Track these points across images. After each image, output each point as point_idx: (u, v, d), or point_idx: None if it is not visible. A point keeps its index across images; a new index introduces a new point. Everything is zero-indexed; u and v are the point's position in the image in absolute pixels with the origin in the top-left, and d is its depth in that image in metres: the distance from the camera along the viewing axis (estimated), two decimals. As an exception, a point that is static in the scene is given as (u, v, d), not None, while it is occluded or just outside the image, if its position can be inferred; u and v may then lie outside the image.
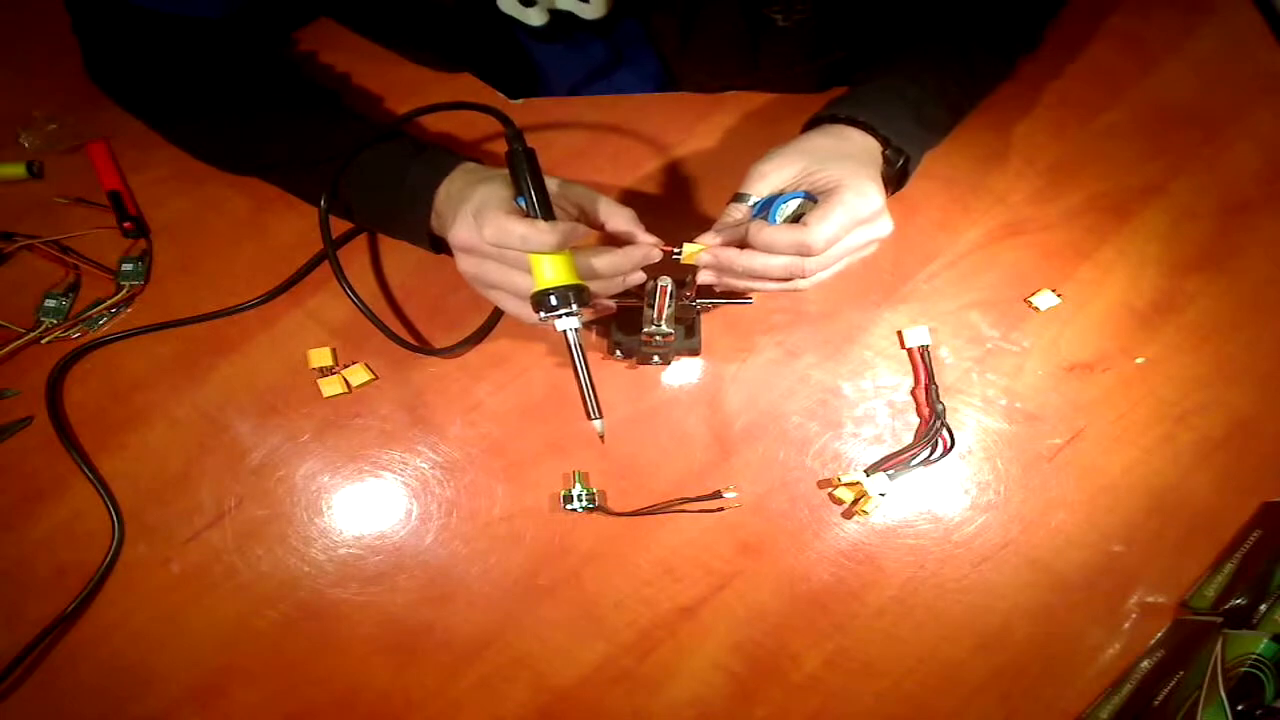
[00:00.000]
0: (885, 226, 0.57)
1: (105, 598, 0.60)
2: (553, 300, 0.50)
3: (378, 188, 0.60)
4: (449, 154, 0.60)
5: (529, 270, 0.51)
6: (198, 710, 0.58)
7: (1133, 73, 0.76)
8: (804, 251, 0.53)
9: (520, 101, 0.74)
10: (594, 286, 0.53)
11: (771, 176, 0.57)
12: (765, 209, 0.56)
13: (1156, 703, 0.57)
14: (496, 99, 0.74)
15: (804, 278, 0.55)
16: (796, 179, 0.57)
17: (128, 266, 0.68)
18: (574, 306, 0.51)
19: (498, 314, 0.66)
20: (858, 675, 0.60)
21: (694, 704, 0.59)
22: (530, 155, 0.52)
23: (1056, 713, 0.59)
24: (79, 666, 0.58)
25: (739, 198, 0.57)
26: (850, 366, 0.67)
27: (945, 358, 0.67)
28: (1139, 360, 0.67)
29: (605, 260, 0.54)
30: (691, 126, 0.73)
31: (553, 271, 0.50)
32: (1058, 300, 0.68)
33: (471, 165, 0.59)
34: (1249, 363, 0.67)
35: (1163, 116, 0.75)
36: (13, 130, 0.71)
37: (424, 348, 0.65)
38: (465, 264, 0.55)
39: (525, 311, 0.53)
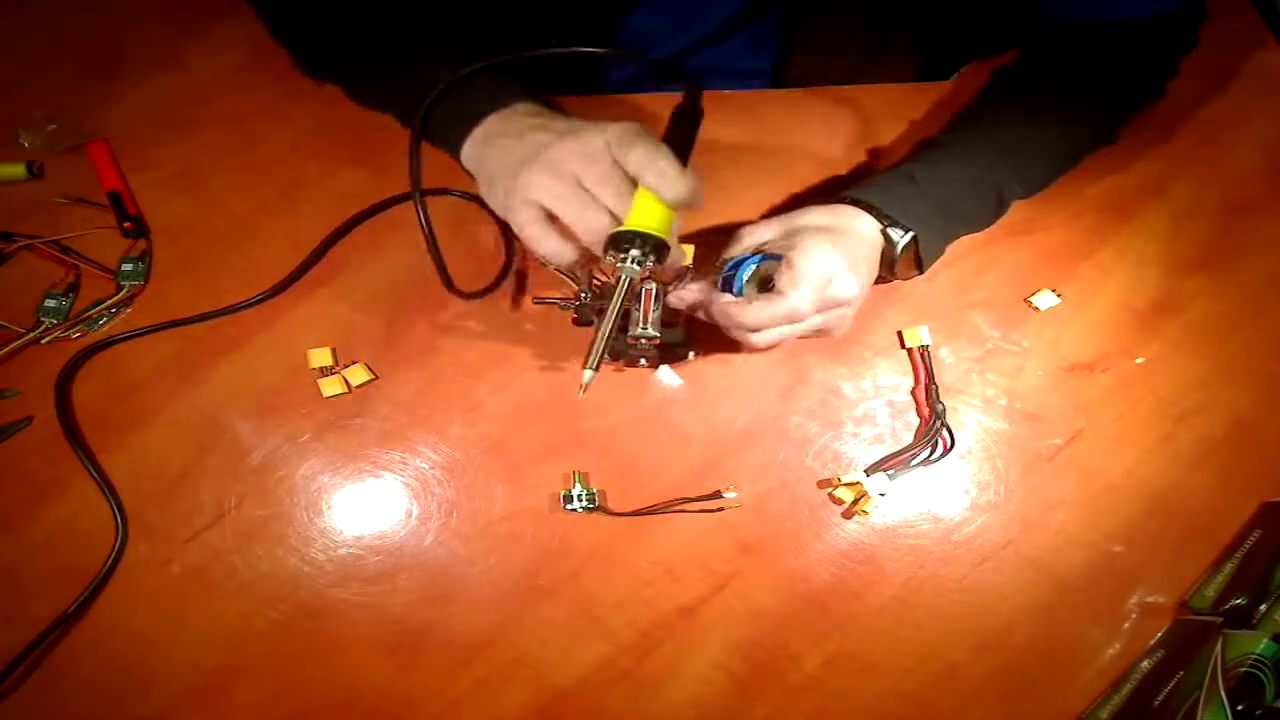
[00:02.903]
0: (845, 287, 0.57)
1: (106, 598, 0.60)
2: (635, 245, 0.49)
3: (445, 97, 0.60)
4: (524, 89, 0.60)
5: (609, 215, 0.51)
6: (198, 710, 0.58)
7: (1133, 73, 0.76)
8: (755, 321, 0.56)
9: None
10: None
11: (746, 239, 0.62)
12: (735, 268, 0.59)
13: (1156, 703, 0.57)
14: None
15: (758, 342, 0.58)
16: (772, 242, 0.60)
17: (128, 266, 0.68)
18: (649, 258, 0.50)
19: (508, 266, 0.68)
20: (858, 675, 0.60)
21: (694, 704, 0.59)
22: (699, 116, 0.55)
23: (1056, 713, 0.59)
24: (79, 666, 0.58)
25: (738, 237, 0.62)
26: (850, 366, 0.67)
27: (945, 358, 0.67)
28: (1139, 360, 0.67)
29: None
30: (691, 127, 0.73)
31: (654, 218, 0.49)
32: (1058, 300, 0.68)
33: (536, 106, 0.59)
34: (1249, 363, 0.67)
35: (1163, 116, 0.75)
36: (13, 130, 0.71)
37: (464, 291, 0.66)
38: (545, 184, 0.52)
39: (567, 254, 0.53)
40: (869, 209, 0.61)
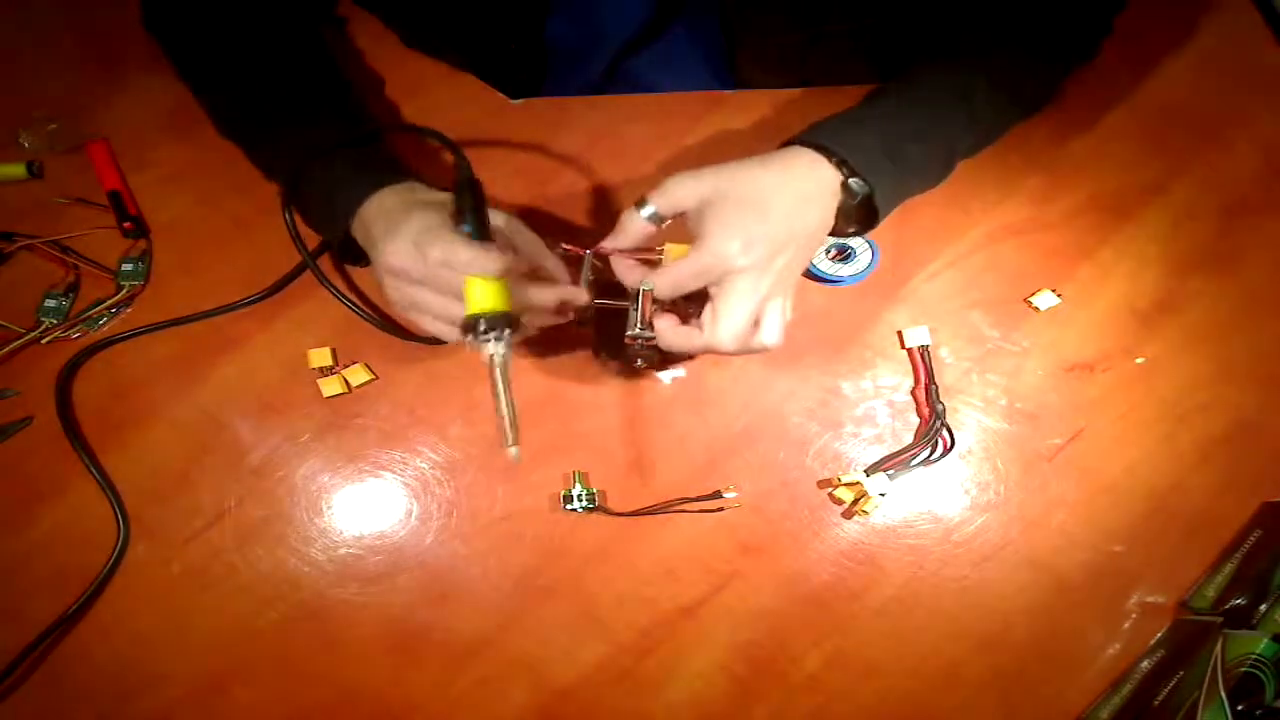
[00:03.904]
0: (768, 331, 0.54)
1: (106, 598, 0.60)
2: (483, 325, 0.50)
3: (319, 179, 0.60)
4: (392, 169, 0.60)
5: (461, 298, 0.51)
6: (198, 710, 0.58)
7: (1133, 73, 0.76)
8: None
9: (520, 102, 0.74)
10: (523, 318, 0.53)
11: (675, 191, 0.54)
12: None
13: (1156, 703, 0.57)
14: (495, 99, 0.74)
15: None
16: (703, 199, 0.54)
17: (128, 266, 0.68)
18: (505, 333, 0.50)
19: None
20: (858, 675, 0.60)
21: (694, 704, 0.59)
22: (477, 185, 0.52)
23: (1056, 713, 0.60)
24: (80, 666, 0.58)
25: (640, 204, 0.55)
26: (850, 366, 0.67)
27: (945, 358, 0.67)
28: (1139, 360, 0.67)
29: (539, 293, 0.54)
30: (691, 126, 0.73)
31: (488, 297, 0.50)
32: (1058, 300, 0.68)
33: (411, 184, 0.58)
34: (1249, 363, 0.67)
35: (1163, 116, 0.75)
36: (13, 130, 0.71)
37: (422, 337, 0.65)
38: (393, 287, 0.54)
39: (451, 333, 0.53)
40: (827, 154, 0.56)
